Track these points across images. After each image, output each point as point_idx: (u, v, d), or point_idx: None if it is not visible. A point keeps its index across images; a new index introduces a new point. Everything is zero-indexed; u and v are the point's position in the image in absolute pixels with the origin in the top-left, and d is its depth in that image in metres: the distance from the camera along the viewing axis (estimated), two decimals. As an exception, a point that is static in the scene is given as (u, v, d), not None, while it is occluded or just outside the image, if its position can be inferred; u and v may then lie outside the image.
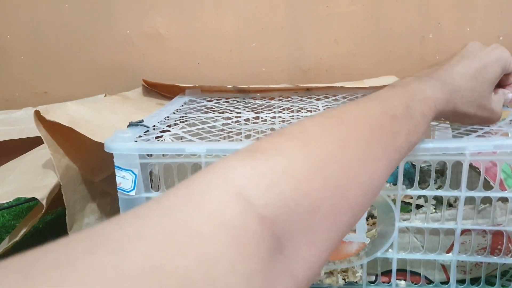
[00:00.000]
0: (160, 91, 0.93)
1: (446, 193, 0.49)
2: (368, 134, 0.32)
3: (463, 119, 0.49)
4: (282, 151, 0.27)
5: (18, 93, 1.07)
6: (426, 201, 0.67)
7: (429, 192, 0.50)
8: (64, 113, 0.62)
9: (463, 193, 0.48)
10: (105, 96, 0.98)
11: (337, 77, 0.99)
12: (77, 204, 0.68)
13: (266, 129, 0.63)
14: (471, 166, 0.47)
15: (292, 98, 0.80)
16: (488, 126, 0.51)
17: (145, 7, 1.00)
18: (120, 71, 1.04)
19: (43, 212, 0.63)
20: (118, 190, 0.50)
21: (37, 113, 0.61)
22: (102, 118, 0.65)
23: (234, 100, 0.80)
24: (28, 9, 1.01)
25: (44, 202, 0.61)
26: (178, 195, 0.23)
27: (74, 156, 0.66)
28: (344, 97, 0.79)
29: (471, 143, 0.46)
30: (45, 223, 0.81)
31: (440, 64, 0.48)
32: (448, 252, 0.52)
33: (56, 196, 0.65)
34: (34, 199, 0.63)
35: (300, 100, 0.78)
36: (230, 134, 0.59)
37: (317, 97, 0.80)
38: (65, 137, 0.64)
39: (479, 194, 0.48)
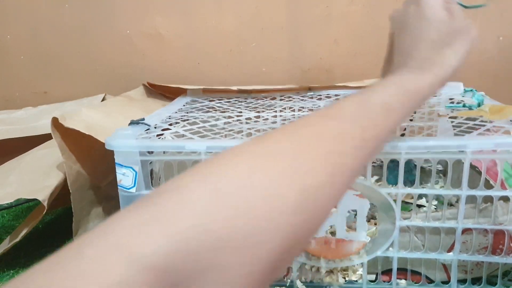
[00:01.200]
0: (164, 92, 0.93)
1: (447, 191, 0.49)
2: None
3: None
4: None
5: (18, 93, 1.06)
6: (427, 201, 0.67)
7: (430, 191, 0.49)
8: (80, 119, 0.62)
9: (464, 191, 0.48)
10: (104, 96, 0.98)
11: (337, 77, 0.99)
12: (84, 210, 0.68)
13: (267, 127, 0.63)
14: (471, 166, 0.47)
15: (294, 98, 0.80)
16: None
17: (145, 7, 1.00)
18: (120, 71, 1.04)
19: (44, 213, 0.63)
20: (118, 187, 0.50)
21: (54, 121, 0.60)
22: (115, 122, 0.65)
23: (235, 100, 0.80)
24: (28, 9, 1.01)
25: (45, 204, 0.61)
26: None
27: (84, 162, 0.66)
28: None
29: (472, 141, 0.46)
30: (44, 223, 0.81)
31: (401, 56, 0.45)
32: (449, 251, 0.52)
33: (56, 196, 0.65)
34: (34, 199, 0.63)
35: (302, 100, 0.78)
36: (231, 133, 0.59)
37: (318, 96, 0.80)
38: (76, 143, 0.64)
39: (480, 193, 0.48)
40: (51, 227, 0.81)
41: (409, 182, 0.67)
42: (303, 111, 0.69)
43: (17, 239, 0.64)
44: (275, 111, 0.71)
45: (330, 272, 0.55)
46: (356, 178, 0.32)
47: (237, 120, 0.67)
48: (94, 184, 0.68)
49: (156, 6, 1.00)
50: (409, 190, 0.50)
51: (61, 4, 1.00)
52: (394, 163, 0.64)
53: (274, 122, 0.65)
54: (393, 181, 0.61)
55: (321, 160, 0.29)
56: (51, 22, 1.02)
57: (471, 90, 0.73)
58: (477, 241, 0.51)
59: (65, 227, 0.67)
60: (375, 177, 0.73)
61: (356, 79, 0.89)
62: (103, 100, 0.97)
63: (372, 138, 0.33)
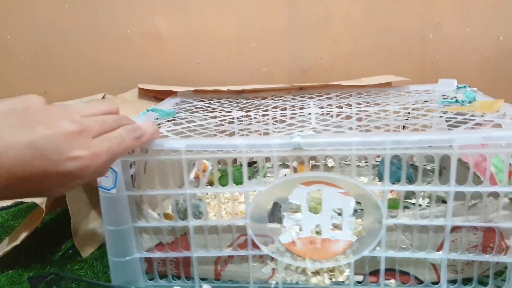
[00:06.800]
0: (156, 95, 0.93)
1: (434, 188, 0.48)
2: None
3: None
4: None
5: (18, 93, 1.07)
6: (423, 198, 0.66)
7: (417, 188, 0.48)
8: None
9: (452, 188, 0.47)
10: (104, 95, 0.98)
11: (337, 77, 0.98)
12: (81, 212, 0.68)
13: (255, 128, 0.62)
14: (460, 161, 0.46)
15: (285, 97, 0.79)
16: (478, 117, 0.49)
17: (145, 7, 1.00)
18: (120, 71, 1.04)
19: (43, 215, 0.63)
20: (99, 188, 0.50)
21: None
22: None
23: (226, 100, 0.80)
24: (28, 9, 1.02)
25: (43, 206, 0.62)
26: None
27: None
28: (337, 95, 0.79)
29: (459, 135, 0.44)
30: (44, 223, 0.81)
31: None
32: (438, 250, 0.51)
33: (55, 198, 0.65)
34: (32, 200, 0.63)
35: (293, 99, 0.77)
36: (215, 132, 0.59)
37: (309, 95, 0.80)
38: None
39: (469, 189, 0.47)
40: (50, 227, 0.81)
41: (408, 179, 0.66)
42: (294, 110, 0.69)
43: (17, 242, 0.64)
44: (265, 110, 0.70)
45: (316, 273, 0.54)
46: None
47: (222, 120, 0.67)
48: (89, 186, 0.68)
49: (156, 6, 1.00)
50: (395, 187, 0.49)
51: (61, 4, 1.01)
52: (398, 161, 0.63)
53: (266, 123, 0.65)
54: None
55: None
56: (51, 22, 1.02)
57: (464, 87, 0.72)
58: (467, 239, 0.50)
59: (65, 227, 0.67)
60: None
61: (356, 78, 0.88)
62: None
63: None
